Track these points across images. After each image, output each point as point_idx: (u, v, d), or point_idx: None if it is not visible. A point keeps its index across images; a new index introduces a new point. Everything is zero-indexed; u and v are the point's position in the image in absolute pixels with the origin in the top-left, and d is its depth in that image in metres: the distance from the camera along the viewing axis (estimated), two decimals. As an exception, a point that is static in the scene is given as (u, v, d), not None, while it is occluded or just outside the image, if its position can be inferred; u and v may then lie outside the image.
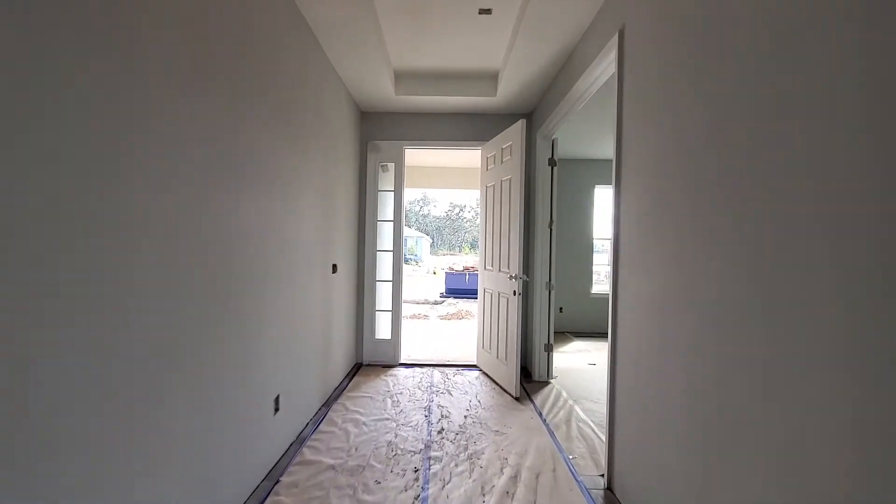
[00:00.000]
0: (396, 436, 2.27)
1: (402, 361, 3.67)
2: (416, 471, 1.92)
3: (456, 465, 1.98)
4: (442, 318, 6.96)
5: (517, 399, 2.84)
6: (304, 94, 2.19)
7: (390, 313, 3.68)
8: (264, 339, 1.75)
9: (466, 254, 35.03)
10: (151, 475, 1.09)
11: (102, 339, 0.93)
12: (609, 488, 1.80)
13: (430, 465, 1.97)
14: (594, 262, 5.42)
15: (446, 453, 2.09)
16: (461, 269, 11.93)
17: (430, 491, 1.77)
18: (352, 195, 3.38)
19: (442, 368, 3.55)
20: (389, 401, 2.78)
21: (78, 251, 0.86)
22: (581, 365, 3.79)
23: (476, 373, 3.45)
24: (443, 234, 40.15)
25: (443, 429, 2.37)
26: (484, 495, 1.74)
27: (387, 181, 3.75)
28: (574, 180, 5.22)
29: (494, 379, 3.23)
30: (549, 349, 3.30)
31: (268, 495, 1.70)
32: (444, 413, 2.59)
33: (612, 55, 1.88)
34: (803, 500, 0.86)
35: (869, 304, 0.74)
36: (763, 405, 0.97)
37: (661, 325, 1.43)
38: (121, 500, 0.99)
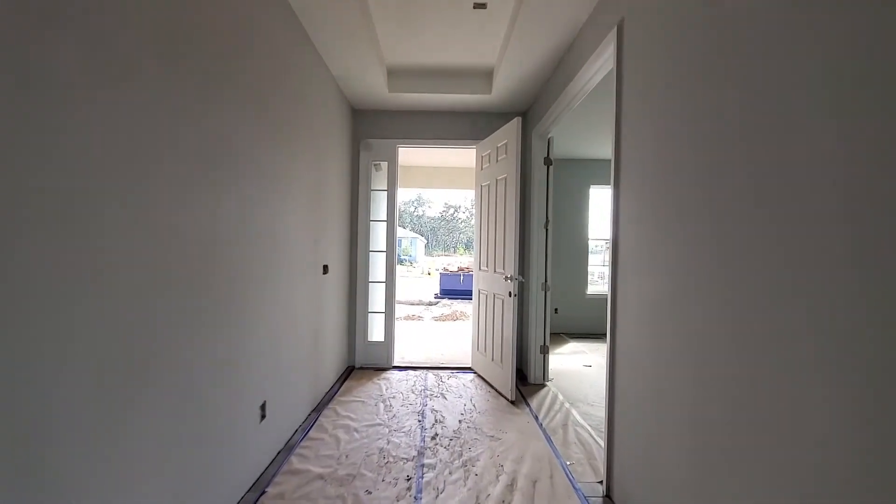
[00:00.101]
0: (389, 442, 2.19)
1: (395, 364, 3.60)
2: (408, 479, 1.85)
3: (450, 473, 1.91)
4: (436, 319, 6.89)
5: (513, 402, 2.78)
6: (288, 84, 2.08)
7: (383, 315, 3.61)
8: (249, 344, 1.67)
9: (461, 254, 35.02)
10: (120, 493, 1.01)
11: (45, 336, 0.85)
12: (608, 496, 1.74)
13: (423, 474, 1.90)
14: (589, 263, 5.39)
15: (440, 460, 2.02)
16: (456, 269, 11.88)
17: (424, 501, 1.70)
18: (344, 194, 3.30)
19: (436, 371, 3.48)
20: (382, 405, 2.70)
21: (43, 249, 0.79)
22: (577, 367, 3.74)
23: (471, 375, 3.38)
24: (437, 234, 40.12)
25: (437, 434, 2.30)
26: (479, 505, 1.68)
27: (380, 180, 3.67)
28: (569, 180, 5.18)
29: (490, 382, 3.16)
30: (545, 351, 3.24)
31: (252, 508, 1.62)
32: (438, 418, 2.52)
33: (611, 50, 1.83)
34: (820, 516, 0.81)
35: (875, 307, 0.69)
36: (768, 410, 0.92)
37: (662, 328, 1.37)
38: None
